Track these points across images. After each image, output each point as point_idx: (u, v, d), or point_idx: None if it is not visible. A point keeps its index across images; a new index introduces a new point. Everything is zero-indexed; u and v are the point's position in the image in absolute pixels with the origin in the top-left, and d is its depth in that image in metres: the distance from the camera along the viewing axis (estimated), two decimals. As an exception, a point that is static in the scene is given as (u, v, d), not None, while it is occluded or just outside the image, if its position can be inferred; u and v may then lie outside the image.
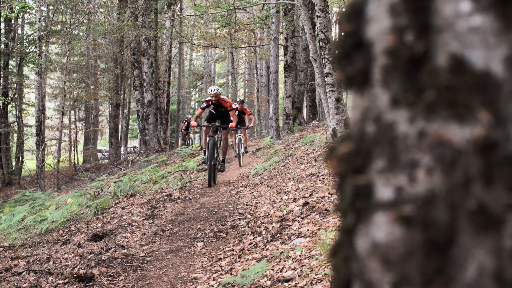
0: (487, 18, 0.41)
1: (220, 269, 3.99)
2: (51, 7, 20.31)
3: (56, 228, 6.95)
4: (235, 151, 13.19)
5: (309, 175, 7.13)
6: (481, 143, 0.40)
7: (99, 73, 27.94)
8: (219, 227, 5.46)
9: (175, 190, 8.49)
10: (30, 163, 27.63)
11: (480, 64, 0.41)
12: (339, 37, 0.50)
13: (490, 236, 0.40)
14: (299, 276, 3.26)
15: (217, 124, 9.21)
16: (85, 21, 20.07)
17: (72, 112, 29.11)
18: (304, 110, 24.18)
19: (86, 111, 31.20)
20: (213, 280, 3.77)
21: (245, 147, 13.31)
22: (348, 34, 0.48)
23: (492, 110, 0.40)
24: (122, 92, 25.22)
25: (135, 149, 28.31)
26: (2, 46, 20.79)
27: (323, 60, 8.11)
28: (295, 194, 6.15)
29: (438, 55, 0.42)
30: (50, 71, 20.86)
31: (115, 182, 10.78)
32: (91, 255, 4.73)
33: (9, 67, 22.24)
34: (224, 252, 4.51)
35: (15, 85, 22.49)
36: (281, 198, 6.16)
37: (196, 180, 9.78)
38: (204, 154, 9.07)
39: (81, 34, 22.20)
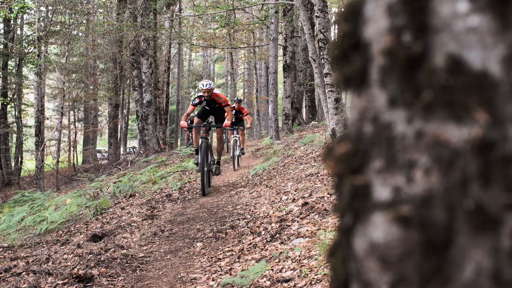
0: (484, 18, 0.41)
1: (220, 270, 3.99)
2: (50, 8, 20.32)
3: (56, 229, 6.95)
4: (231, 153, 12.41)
5: (308, 176, 7.13)
6: (478, 143, 0.40)
7: (98, 73, 27.94)
8: (219, 228, 5.46)
9: (175, 190, 8.49)
10: (29, 164, 27.62)
11: (477, 64, 0.41)
12: (337, 38, 0.51)
13: (488, 236, 0.40)
14: (298, 276, 3.26)
15: (210, 121, 8.50)
16: (84, 21, 20.06)
17: (72, 112, 29.12)
18: (303, 110, 24.20)
19: (85, 112, 31.20)
20: (213, 280, 3.77)
21: (242, 149, 12.61)
22: (346, 34, 0.48)
23: (489, 110, 0.40)
24: (121, 93, 25.22)
25: (134, 149, 28.32)
26: (1, 46, 20.79)
27: (322, 60, 8.12)
28: (294, 194, 6.15)
29: (436, 55, 0.42)
30: (49, 71, 20.85)
31: (114, 183, 10.78)
32: (91, 255, 4.72)
33: (8, 67, 22.23)
34: (223, 252, 4.51)
35: (14, 85, 22.48)
36: (281, 198, 6.16)
37: (195, 181, 9.78)
38: (196, 154, 8.28)
39: (80, 34, 22.19)
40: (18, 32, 23.69)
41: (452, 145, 0.41)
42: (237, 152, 12.06)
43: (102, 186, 10.43)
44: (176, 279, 4.03)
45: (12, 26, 21.03)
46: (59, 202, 9.50)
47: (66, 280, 4.08)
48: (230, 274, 3.77)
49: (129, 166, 16.77)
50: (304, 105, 24.11)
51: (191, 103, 8.58)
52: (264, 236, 4.61)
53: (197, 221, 6.04)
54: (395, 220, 0.43)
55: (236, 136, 12.20)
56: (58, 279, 4.15)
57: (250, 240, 4.64)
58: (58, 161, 19.24)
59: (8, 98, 21.54)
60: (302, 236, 4.15)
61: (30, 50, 21.41)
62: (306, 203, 5.26)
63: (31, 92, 25.06)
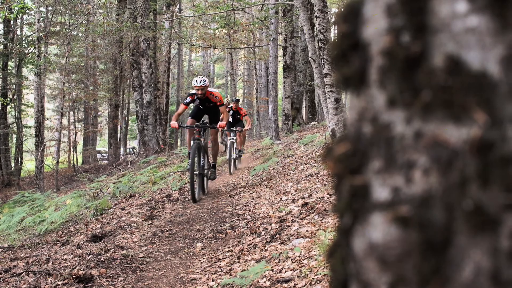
0: (483, 19, 0.41)
1: (219, 270, 3.99)
2: (50, 8, 20.32)
3: (55, 229, 6.95)
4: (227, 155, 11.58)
5: (308, 176, 7.13)
6: (477, 143, 0.40)
7: (98, 74, 27.94)
8: (218, 228, 5.46)
9: (174, 191, 8.49)
10: (29, 164, 27.62)
11: (476, 65, 0.41)
12: (336, 38, 0.51)
13: (487, 236, 0.40)
14: (298, 276, 3.26)
15: (205, 121, 7.80)
16: (84, 22, 20.06)
17: (71, 113, 29.12)
18: (303, 111, 24.20)
19: (85, 112, 31.20)
20: (212, 280, 3.77)
21: (240, 151, 11.96)
22: (345, 34, 0.48)
23: (488, 111, 0.41)
24: (121, 93, 25.22)
25: (134, 149, 28.30)
26: (1, 47, 20.79)
27: (322, 60, 8.12)
28: (294, 194, 6.15)
29: (435, 55, 0.42)
30: (49, 72, 20.85)
31: (114, 183, 10.78)
32: (90, 256, 4.72)
33: (8, 68, 22.23)
34: (223, 252, 4.50)
35: (14, 86, 22.48)
36: (280, 198, 6.16)
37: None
38: (189, 159, 7.40)
39: (80, 35, 22.20)
40: (18, 32, 23.69)
41: (451, 146, 0.41)
42: (234, 155, 11.35)
43: (102, 187, 10.43)
44: (176, 280, 4.03)
45: (12, 26, 21.03)
46: (59, 202, 9.50)
47: (66, 281, 4.08)
48: (230, 275, 3.77)
49: (129, 166, 16.76)
50: (304, 106, 24.12)
51: (182, 101, 7.93)
52: (264, 236, 4.61)
53: (197, 221, 6.04)
54: (394, 221, 0.43)
55: (233, 138, 11.56)
56: (58, 279, 4.15)
57: (250, 240, 4.64)
58: (58, 162, 19.24)
59: (8, 99, 21.54)
60: (302, 237, 4.15)
61: (30, 51, 21.42)
62: (306, 204, 5.26)
63: (31, 93, 25.06)
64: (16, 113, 22.87)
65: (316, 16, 8.13)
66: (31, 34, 21.98)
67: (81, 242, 5.45)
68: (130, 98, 26.47)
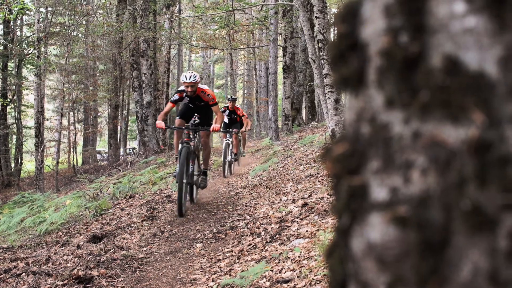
0: (481, 19, 0.41)
1: (219, 270, 3.99)
2: (49, 9, 20.32)
3: (55, 230, 6.95)
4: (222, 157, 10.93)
5: (308, 176, 7.13)
6: (475, 143, 0.40)
7: (98, 74, 27.94)
8: (218, 228, 5.46)
9: (174, 191, 8.49)
10: (29, 165, 27.62)
11: (474, 65, 0.41)
12: (335, 38, 0.51)
13: (485, 236, 0.40)
14: (298, 277, 3.26)
15: (195, 121, 6.89)
16: (84, 22, 20.07)
17: (71, 113, 29.12)
18: (303, 111, 24.20)
19: (85, 113, 31.20)
20: (212, 281, 3.77)
21: (235, 154, 11.35)
22: (343, 35, 0.48)
23: (486, 111, 0.41)
24: (121, 94, 25.22)
25: (134, 150, 28.32)
26: (1, 47, 20.79)
27: (322, 61, 8.12)
28: (294, 195, 6.15)
29: (433, 56, 0.42)
30: (49, 72, 20.86)
31: (114, 184, 10.78)
32: (90, 256, 4.72)
33: (8, 68, 22.23)
34: (223, 253, 4.51)
35: (14, 86, 22.48)
36: (280, 199, 6.16)
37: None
38: (176, 164, 6.67)
39: (80, 35, 22.21)
40: (18, 33, 23.69)
41: (449, 146, 0.41)
42: (229, 157, 10.71)
43: (101, 187, 10.43)
44: (176, 280, 4.03)
45: (12, 27, 21.03)
46: (59, 203, 9.50)
47: (66, 281, 4.08)
48: (230, 275, 3.77)
49: (128, 167, 16.76)
50: (304, 106, 24.13)
51: (169, 99, 7.14)
52: (263, 237, 4.61)
53: (196, 222, 6.04)
54: (392, 221, 0.43)
55: (228, 140, 10.98)
56: (58, 280, 4.15)
57: (249, 241, 4.64)
58: (58, 162, 19.24)
59: (8, 99, 21.53)
60: (302, 237, 4.15)
61: (29, 51, 21.42)
62: (305, 204, 5.26)
63: (31, 93, 25.07)
64: (16, 114, 22.87)
65: (315, 16, 8.13)
66: (31, 35, 21.98)
67: (81, 243, 5.45)
68: (130, 99, 26.47)
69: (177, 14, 23.98)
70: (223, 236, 5.12)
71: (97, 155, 31.99)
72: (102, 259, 4.58)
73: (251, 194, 7.36)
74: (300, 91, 21.81)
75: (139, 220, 6.37)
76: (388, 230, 0.43)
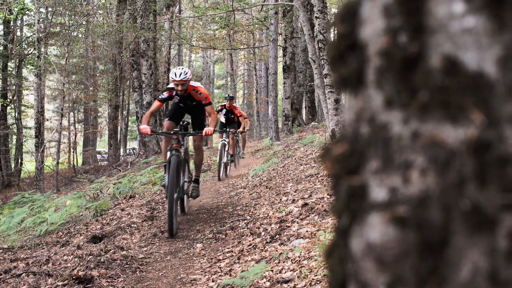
0: (480, 19, 0.41)
1: (219, 270, 3.99)
2: (50, 9, 20.33)
3: (55, 230, 6.95)
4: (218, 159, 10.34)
5: (308, 176, 7.13)
6: (474, 143, 0.40)
7: (98, 74, 27.94)
8: (218, 229, 5.46)
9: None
10: (29, 165, 27.62)
11: (473, 65, 0.41)
12: (334, 39, 0.51)
13: (484, 236, 0.40)
14: (298, 277, 3.26)
15: (185, 122, 6.19)
16: (84, 22, 20.08)
17: (71, 113, 29.14)
18: (303, 111, 24.20)
19: (85, 113, 31.20)
20: (212, 281, 3.77)
21: (232, 155, 10.76)
22: (343, 35, 0.48)
23: (485, 111, 0.41)
24: (121, 94, 25.22)
25: (134, 150, 28.30)
26: (1, 48, 20.80)
27: (322, 61, 8.12)
28: (294, 195, 6.15)
29: (432, 56, 0.42)
30: (49, 72, 20.87)
31: (114, 184, 10.78)
32: (90, 256, 4.72)
33: (8, 69, 22.23)
34: (223, 253, 4.51)
35: (14, 87, 22.49)
36: (280, 199, 6.16)
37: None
38: (165, 172, 5.87)
39: (80, 35, 22.22)
40: (18, 33, 23.69)
41: (448, 146, 0.41)
42: (225, 159, 10.21)
43: (102, 188, 10.43)
44: (176, 280, 4.03)
45: (12, 27, 21.04)
46: (59, 203, 9.50)
47: (66, 282, 4.08)
48: (230, 275, 3.77)
49: (129, 167, 16.76)
50: (304, 106, 24.13)
51: (157, 97, 6.33)
52: (264, 237, 4.61)
53: (197, 222, 6.04)
54: (391, 221, 0.43)
55: (225, 140, 10.46)
56: (58, 280, 4.15)
57: (250, 241, 4.64)
58: (58, 163, 19.24)
59: (8, 100, 21.54)
60: (302, 237, 4.15)
61: (30, 52, 21.42)
62: (305, 204, 5.26)
63: (31, 94, 25.08)
64: (16, 114, 22.87)
65: (316, 16, 8.13)
66: (31, 35, 21.99)
67: (81, 243, 5.45)
68: (130, 99, 26.47)
69: (177, 15, 23.99)
70: (223, 236, 5.12)
71: (97, 155, 32.00)
72: (102, 259, 4.58)
73: (251, 194, 7.36)
74: (300, 91, 21.81)
75: (139, 221, 6.37)
76: (388, 230, 0.43)
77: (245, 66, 36.83)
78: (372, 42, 0.45)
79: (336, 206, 0.49)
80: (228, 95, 11.81)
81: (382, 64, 0.44)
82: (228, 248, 4.63)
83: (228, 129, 10.78)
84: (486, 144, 0.40)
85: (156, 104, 5.99)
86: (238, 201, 7.07)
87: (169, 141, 5.91)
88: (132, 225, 6.16)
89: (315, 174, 7.10)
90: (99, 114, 33.08)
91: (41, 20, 18.49)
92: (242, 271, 3.71)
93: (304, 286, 3.09)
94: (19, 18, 22.15)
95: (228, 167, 10.61)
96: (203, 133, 5.70)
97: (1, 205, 12.60)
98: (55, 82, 29.91)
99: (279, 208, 5.57)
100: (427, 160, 0.42)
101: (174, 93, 5.90)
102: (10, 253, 5.87)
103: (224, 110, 11.41)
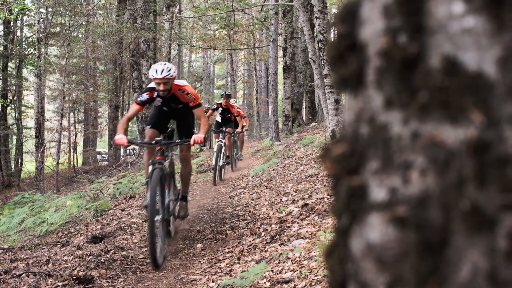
0: (479, 20, 0.41)
1: (220, 271, 3.99)
2: (50, 9, 20.33)
3: (56, 230, 6.95)
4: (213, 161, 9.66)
5: (308, 177, 7.13)
6: (474, 144, 0.40)
7: (98, 75, 27.94)
8: (219, 229, 5.46)
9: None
10: (29, 165, 27.61)
11: (473, 66, 0.41)
12: (334, 39, 0.51)
13: (484, 236, 0.40)
14: (298, 277, 3.26)
15: (170, 128, 5.35)
16: (84, 23, 20.08)
17: (71, 114, 29.13)
18: (304, 112, 24.19)
19: (85, 113, 31.19)
20: (213, 281, 3.77)
21: (227, 157, 10.07)
22: (342, 35, 0.48)
23: (485, 111, 0.41)
24: (121, 94, 25.21)
25: (134, 151, 28.30)
26: (1, 48, 20.80)
27: (322, 61, 8.13)
28: (294, 195, 6.15)
29: (431, 56, 0.42)
30: (49, 73, 20.87)
31: (114, 184, 10.77)
32: (91, 257, 4.72)
33: (8, 69, 22.23)
34: (223, 253, 4.51)
35: (14, 87, 22.49)
36: (280, 199, 6.16)
37: (195, 182, 9.78)
38: (147, 191, 4.73)
39: (80, 36, 22.22)
40: (18, 33, 23.70)
41: (448, 146, 0.41)
42: (221, 162, 9.50)
43: (102, 188, 10.43)
44: (176, 281, 4.03)
45: (12, 27, 21.04)
46: (59, 203, 9.50)
47: (66, 282, 4.08)
48: (230, 276, 3.77)
49: (129, 167, 16.76)
50: (304, 106, 24.12)
51: (135, 100, 5.22)
52: (264, 237, 4.61)
53: (197, 222, 6.04)
54: (391, 221, 0.43)
55: (221, 141, 9.75)
56: (58, 280, 4.15)
57: (250, 241, 4.64)
58: (58, 163, 19.24)
59: (8, 100, 21.54)
60: (302, 237, 4.15)
61: (30, 52, 21.42)
62: (306, 204, 5.26)
63: (31, 94, 25.08)
64: (16, 114, 22.87)
65: (316, 17, 8.13)
66: (31, 35, 21.99)
67: (81, 243, 5.45)
68: (130, 99, 26.45)
69: (177, 15, 23.99)
70: (224, 236, 5.12)
71: (98, 155, 31.97)
72: (102, 260, 4.58)
73: (252, 194, 7.36)
74: (300, 92, 21.81)
75: (139, 221, 6.37)
76: (387, 230, 0.43)
77: (245, 66, 36.83)
78: (372, 43, 0.45)
79: (336, 206, 0.49)
80: (225, 92, 10.92)
81: (382, 65, 0.44)
82: (228, 249, 4.63)
83: (224, 129, 10.14)
84: (486, 144, 0.40)
85: (134, 108, 5.03)
86: (238, 201, 7.07)
87: (152, 153, 4.93)
88: (132, 226, 6.16)
89: (315, 175, 7.10)
90: (99, 115, 33.07)
91: (41, 20, 18.49)
92: (242, 272, 3.71)
93: (304, 286, 3.09)
94: (19, 19, 22.16)
95: (223, 170, 9.93)
96: (191, 142, 4.78)
97: (1, 206, 12.59)
98: (55, 82, 29.91)
99: (279, 208, 5.57)
100: (427, 161, 0.42)
101: (155, 94, 4.96)
102: (10, 253, 5.87)
103: (220, 109, 10.64)
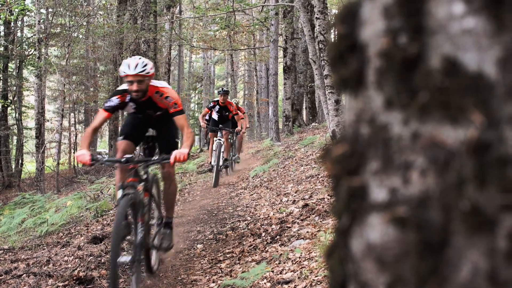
0: (479, 20, 0.41)
1: (220, 271, 3.99)
2: (50, 10, 20.34)
3: (56, 231, 6.95)
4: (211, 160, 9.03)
5: (308, 177, 7.13)
6: (474, 144, 0.41)
7: (98, 75, 27.94)
8: (219, 229, 5.46)
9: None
10: (29, 166, 27.60)
11: (473, 66, 0.41)
12: (334, 40, 0.51)
13: (484, 237, 0.40)
14: (298, 278, 3.26)
15: (150, 134, 4.36)
16: (85, 23, 20.08)
17: (72, 114, 29.12)
18: (304, 112, 24.19)
19: (85, 114, 31.19)
20: (213, 282, 3.77)
21: (225, 159, 9.37)
22: (343, 36, 0.48)
23: (485, 112, 0.41)
24: (121, 95, 25.18)
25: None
26: (2, 48, 20.81)
27: (322, 62, 8.12)
28: (294, 196, 6.15)
29: (432, 57, 0.42)
30: (50, 73, 20.87)
31: (114, 184, 10.77)
32: (91, 257, 4.72)
33: (9, 69, 22.24)
34: (223, 254, 4.50)
35: (15, 87, 22.49)
36: (281, 200, 6.16)
37: (195, 182, 9.77)
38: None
39: (80, 36, 22.21)
40: (19, 34, 23.70)
41: (448, 147, 0.41)
42: (221, 162, 8.93)
43: (102, 188, 10.43)
44: (176, 281, 4.03)
45: (13, 28, 21.05)
46: (59, 204, 9.49)
47: (66, 282, 4.08)
48: (231, 276, 3.77)
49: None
50: (304, 107, 24.11)
51: (102, 106, 4.13)
52: (264, 237, 4.61)
53: (197, 222, 6.04)
54: (391, 221, 0.43)
55: (220, 139, 9.04)
56: (58, 281, 4.15)
57: (250, 242, 4.64)
58: (58, 163, 19.23)
59: (9, 100, 21.54)
60: (303, 238, 4.15)
61: (30, 52, 21.42)
62: (306, 205, 5.26)
63: (32, 94, 25.07)
64: (17, 115, 22.86)
65: (316, 17, 8.13)
66: (32, 36, 21.99)
67: (82, 244, 5.45)
68: (131, 100, 26.42)
69: (178, 15, 24.00)
70: (224, 237, 5.11)
71: (98, 156, 31.94)
72: (103, 260, 4.58)
73: (252, 195, 7.36)
74: (300, 92, 21.80)
75: (139, 221, 6.36)
76: (388, 230, 0.43)
77: (245, 67, 36.82)
78: (372, 43, 0.45)
79: (337, 206, 0.49)
80: (222, 88, 9.88)
81: (382, 65, 0.44)
82: (228, 249, 4.63)
83: (222, 127, 9.36)
84: (486, 144, 0.40)
85: (101, 115, 4.03)
86: (238, 202, 7.07)
87: (123, 173, 3.96)
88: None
89: (316, 175, 7.10)
90: (99, 115, 33.02)
91: (41, 21, 18.50)
92: (242, 272, 3.71)
93: (305, 287, 3.09)
94: (20, 19, 22.17)
95: (221, 172, 9.39)
96: (171, 160, 3.66)
97: (2, 206, 12.59)
98: (55, 83, 29.92)
99: (279, 209, 5.57)
100: (427, 161, 0.42)
101: (127, 98, 4.01)
102: (10, 253, 5.87)
103: (217, 107, 9.66)
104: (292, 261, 3.64)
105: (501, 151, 0.40)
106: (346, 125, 0.49)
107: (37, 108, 17.52)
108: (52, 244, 6.03)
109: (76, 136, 26.55)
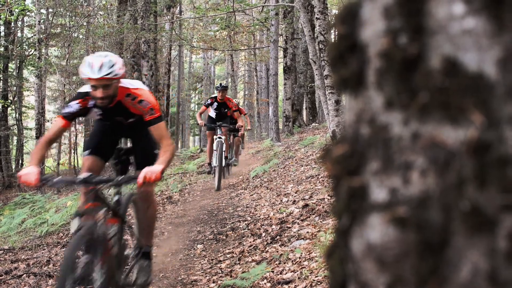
0: (480, 21, 0.41)
1: (220, 272, 3.99)
2: (50, 10, 20.35)
3: (56, 231, 6.95)
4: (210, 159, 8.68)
5: (308, 177, 7.13)
6: (474, 144, 0.41)
7: (98, 75, 27.92)
8: (219, 230, 5.46)
9: (175, 192, 8.48)
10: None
11: (473, 66, 0.41)
12: (334, 40, 0.51)
13: (484, 237, 0.40)
14: (298, 278, 3.26)
15: (122, 148, 3.55)
16: (85, 23, 20.08)
17: (72, 114, 29.10)
18: (304, 112, 24.19)
19: (86, 114, 31.16)
20: (213, 282, 3.77)
21: (226, 158, 8.82)
22: (343, 36, 0.48)
23: (485, 112, 0.41)
24: (122, 95, 25.19)
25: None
26: (2, 49, 20.81)
27: (323, 62, 8.12)
28: (294, 196, 6.15)
29: (432, 57, 0.42)
30: (50, 73, 20.87)
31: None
32: (91, 257, 4.71)
33: (9, 70, 22.25)
34: (224, 254, 4.50)
35: (15, 88, 22.50)
36: (281, 200, 6.16)
37: (196, 183, 9.77)
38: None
39: (80, 36, 22.22)
40: (19, 34, 23.71)
41: (448, 147, 0.41)
42: (224, 162, 8.39)
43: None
44: (176, 281, 4.03)
45: (13, 28, 21.06)
46: (59, 204, 9.49)
47: (66, 283, 4.07)
48: (231, 276, 3.77)
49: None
50: (304, 107, 24.12)
51: (61, 111, 3.40)
52: (264, 238, 4.61)
53: (197, 223, 6.04)
54: (391, 221, 0.43)
55: (220, 137, 8.46)
56: (58, 281, 4.14)
57: (250, 242, 4.64)
58: (58, 163, 19.23)
59: (9, 101, 21.55)
60: (303, 238, 4.15)
61: (30, 53, 21.44)
62: (306, 205, 5.26)
63: (32, 95, 25.07)
64: (17, 115, 22.87)
65: (316, 17, 8.13)
66: (32, 36, 22.00)
67: (82, 244, 5.44)
68: (131, 100, 26.42)
69: (178, 16, 24.00)
70: (224, 237, 5.11)
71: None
72: (103, 260, 4.57)
73: (252, 195, 7.36)
74: (300, 92, 21.81)
75: (140, 221, 6.37)
76: (388, 230, 0.43)
77: (245, 67, 36.83)
78: (372, 43, 0.45)
79: (337, 207, 0.49)
80: (220, 84, 9.05)
81: (382, 65, 0.44)
82: (228, 249, 4.63)
83: (221, 124, 8.65)
84: (486, 145, 0.40)
85: (57, 124, 3.19)
86: (238, 202, 7.07)
87: (87, 193, 2.97)
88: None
89: (316, 175, 7.10)
90: (99, 115, 33.05)
91: (41, 21, 18.50)
92: (243, 272, 3.71)
93: (305, 287, 3.09)
94: (20, 19, 22.18)
95: (231, 169, 9.11)
96: (140, 180, 2.83)
97: (2, 206, 12.59)
98: (55, 83, 29.91)
99: (279, 209, 5.57)
100: (427, 161, 0.42)
101: (90, 102, 3.17)
102: (11, 254, 5.87)
103: (215, 104, 8.91)
104: (292, 261, 3.64)
105: (501, 151, 0.40)
106: (346, 125, 0.49)
107: (37, 108, 17.53)
108: (52, 244, 6.04)
109: (76, 136, 26.57)
